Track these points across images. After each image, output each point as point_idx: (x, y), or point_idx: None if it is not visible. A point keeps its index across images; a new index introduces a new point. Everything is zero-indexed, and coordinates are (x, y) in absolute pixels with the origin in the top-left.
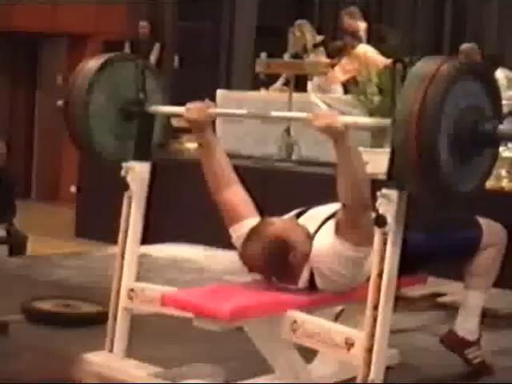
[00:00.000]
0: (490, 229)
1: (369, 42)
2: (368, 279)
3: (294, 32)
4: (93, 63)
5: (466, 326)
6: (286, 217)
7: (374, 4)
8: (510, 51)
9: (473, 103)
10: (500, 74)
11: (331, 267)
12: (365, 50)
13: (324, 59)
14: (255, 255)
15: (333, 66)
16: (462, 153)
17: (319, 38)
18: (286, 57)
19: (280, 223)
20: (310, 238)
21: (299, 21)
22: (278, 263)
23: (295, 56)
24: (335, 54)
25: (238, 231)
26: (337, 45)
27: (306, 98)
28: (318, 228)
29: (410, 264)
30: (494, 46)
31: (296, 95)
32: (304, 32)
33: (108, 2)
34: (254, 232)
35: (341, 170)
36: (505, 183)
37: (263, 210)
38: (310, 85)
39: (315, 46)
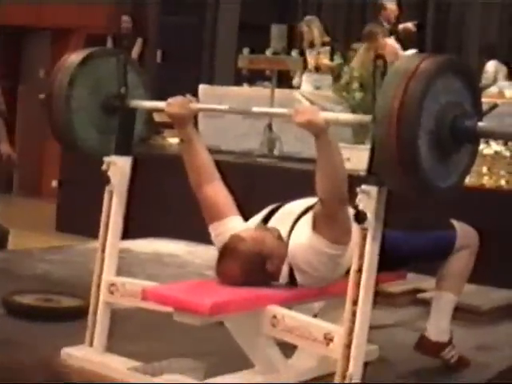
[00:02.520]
0: (464, 231)
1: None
2: (348, 272)
3: (301, 27)
4: (74, 57)
5: (439, 328)
6: (251, 222)
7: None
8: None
9: (453, 99)
10: (491, 67)
11: (308, 262)
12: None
13: (325, 60)
14: (232, 274)
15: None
16: (442, 149)
17: (327, 38)
18: (269, 53)
19: (250, 237)
20: (282, 238)
21: (308, 17)
22: (256, 276)
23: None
24: (367, 40)
25: (217, 229)
26: (373, 30)
27: (288, 94)
28: (294, 224)
29: (386, 264)
30: (476, 42)
31: (278, 91)
32: (312, 28)
33: None
34: (226, 251)
35: (320, 164)
36: (485, 180)
37: (245, 206)
38: (304, 78)
39: (324, 44)
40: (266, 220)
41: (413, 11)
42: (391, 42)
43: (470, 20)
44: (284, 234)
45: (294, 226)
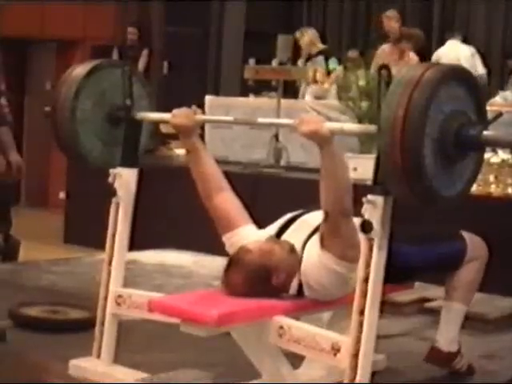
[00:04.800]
0: (474, 243)
1: None
2: (355, 288)
3: (296, 34)
4: (80, 70)
5: (449, 338)
6: (267, 230)
7: None
8: (495, 41)
9: (457, 108)
10: None
11: (317, 280)
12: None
13: (320, 69)
14: (238, 285)
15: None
16: (447, 158)
17: (320, 46)
18: (274, 63)
19: (257, 250)
20: (295, 251)
21: (306, 27)
22: (262, 289)
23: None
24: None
25: (231, 239)
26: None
27: (294, 104)
28: (309, 237)
29: (397, 276)
30: (481, 36)
31: (284, 101)
32: (303, 35)
33: (96, 8)
34: (232, 262)
35: (324, 175)
36: (492, 189)
37: (253, 216)
38: (308, 91)
39: (317, 53)
40: (283, 229)
41: (418, 5)
42: (414, 57)
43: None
44: (298, 246)
45: (308, 238)
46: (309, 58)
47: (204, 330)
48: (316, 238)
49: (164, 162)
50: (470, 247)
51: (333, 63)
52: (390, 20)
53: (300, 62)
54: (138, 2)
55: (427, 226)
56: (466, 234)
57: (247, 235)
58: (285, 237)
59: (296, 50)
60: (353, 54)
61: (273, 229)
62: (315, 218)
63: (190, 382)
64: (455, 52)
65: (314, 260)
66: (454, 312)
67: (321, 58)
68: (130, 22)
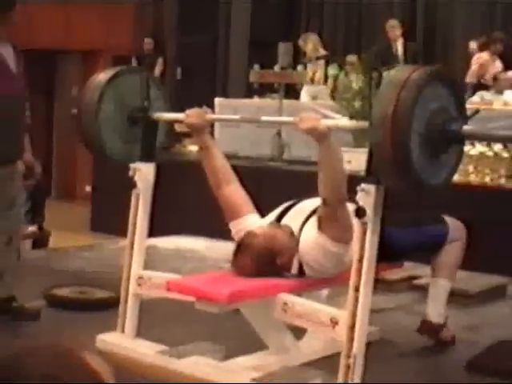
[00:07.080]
0: (455, 225)
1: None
2: (350, 267)
3: (299, 42)
4: (102, 76)
5: (437, 311)
6: (268, 218)
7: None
8: None
9: (441, 106)
10: None
11: (315, 259)
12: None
13: (319, 72)
14: (246, 266)
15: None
16: (432, 150)
17: (322, 52)
18: (277, 67)
19: (262, 234)
20: (294, 234)
21: (307, 33)
22: (267, 268)
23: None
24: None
25: (237, 226)
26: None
27: (294, 104)
28: (305, 221)
29: (388, 256)
30: (462, 35)
31: (286, 101)
32: (307, 43)
33: (115, 22)
34: (241, 246)
35: (322, 167)
36: (472, 178)
37: (258, 205)
38: (303, 92)
39: (318, 58)
40: (281, 216)
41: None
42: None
43: (456, 15)
44: (296, 229)
45: (304, 223)
46: (310, 61)
47: (216, 307)
48: (311, 222)
49: (179, 158)
50: (451, 230)
51: (333, 69)
52: (395, 29)
53: (299, 67)
54: (153, 15)
55: (414, 212)
56: (448, 219)
57: (251, 223)
58: (283, 222)
59: (296, 56)
60: (351, 58)
61: (272, 216)
62: (308, 205)
63: (205, 353)
64: None
65: (312, 241)
66: (440, 287)
67: (321, 62)
68: (147, 33)
